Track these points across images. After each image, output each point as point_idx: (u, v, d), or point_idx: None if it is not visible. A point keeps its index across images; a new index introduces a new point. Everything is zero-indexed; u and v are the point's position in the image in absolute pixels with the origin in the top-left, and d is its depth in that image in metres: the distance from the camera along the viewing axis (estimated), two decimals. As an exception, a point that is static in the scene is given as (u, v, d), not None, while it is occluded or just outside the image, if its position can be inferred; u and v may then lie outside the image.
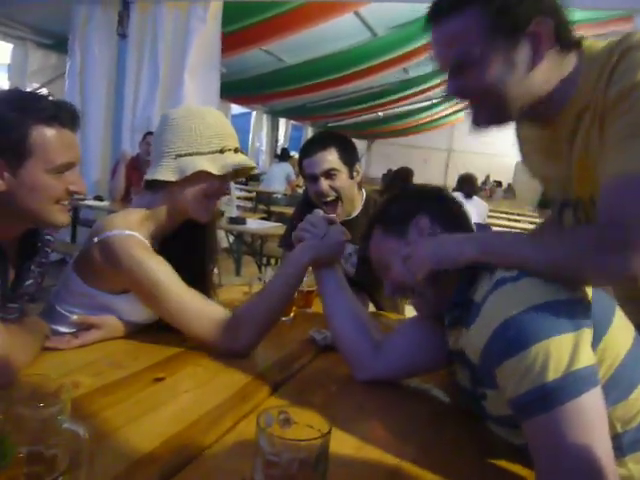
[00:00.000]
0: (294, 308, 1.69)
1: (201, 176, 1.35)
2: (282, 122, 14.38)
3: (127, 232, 1.32)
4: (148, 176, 1.40)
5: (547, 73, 0.99)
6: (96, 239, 1.32)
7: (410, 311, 1.49)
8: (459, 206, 1.21)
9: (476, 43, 0.97)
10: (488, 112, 1.04)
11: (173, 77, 5.12)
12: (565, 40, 0.99)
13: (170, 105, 4.99)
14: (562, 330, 0.83)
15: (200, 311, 1.33)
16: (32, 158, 1.13)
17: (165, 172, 1.36)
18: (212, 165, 1.35)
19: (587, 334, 0.84)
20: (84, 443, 0.72)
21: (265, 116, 13.30)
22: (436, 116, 14.52)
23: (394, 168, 7.20)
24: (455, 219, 1.17)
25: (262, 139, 13.40)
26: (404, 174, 6.26)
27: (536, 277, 0.89)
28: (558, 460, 0.80)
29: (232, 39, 5.80)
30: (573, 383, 0.80)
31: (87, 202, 4.55)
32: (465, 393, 1.09)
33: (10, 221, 1.20)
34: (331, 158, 1.95)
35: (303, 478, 0.71)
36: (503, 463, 1.00)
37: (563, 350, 0.82)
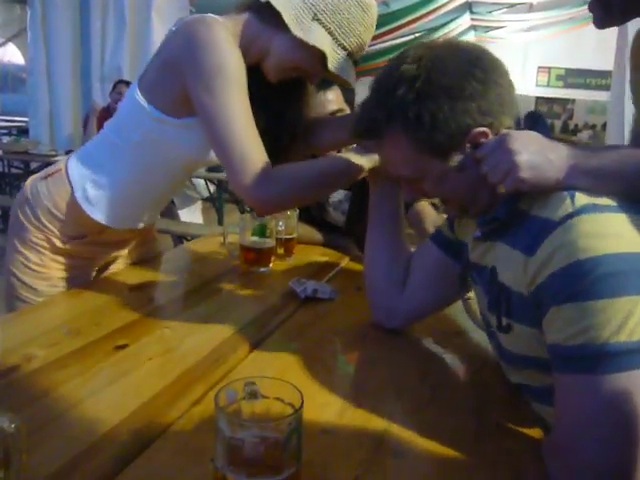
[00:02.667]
0: (273, 258, 1.58)
1: (293, 41, 1.18)
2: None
3: (211, 15, 1.17)
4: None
5: None
6: (173, 27, 1.18)
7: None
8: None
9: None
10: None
11: (141, 21, 4.86)
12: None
13: (140, 52, 4.75)
14: None
15: (245, 140, 1.14)
16: None
17: (298, 27, 1.17)
18: (295, 25, 1.17)
19: None
20: (11, 438, 0.61)
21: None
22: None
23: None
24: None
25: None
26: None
27: None
28: (592, 421, 0.70)
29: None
30: None
31: (59, 158, 4.36)
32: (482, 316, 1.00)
33: None
34: (333, 98, 1.74)
35: (273, 461, 0.61)
36: (501, 421, 0.90)
37: None
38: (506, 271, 0.87)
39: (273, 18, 1.18)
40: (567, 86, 11.56)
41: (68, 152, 4.55)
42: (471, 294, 1.11)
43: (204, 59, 1.12)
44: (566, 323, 0.73)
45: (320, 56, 1.18)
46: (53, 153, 4.96)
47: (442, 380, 1.04)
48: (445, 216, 1.23)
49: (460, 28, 9.77)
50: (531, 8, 8.48)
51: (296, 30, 1.17)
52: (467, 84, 0.83)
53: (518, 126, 0.90)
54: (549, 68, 11.67)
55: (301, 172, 1.21)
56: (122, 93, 4.71)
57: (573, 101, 11.72)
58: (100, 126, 4.53)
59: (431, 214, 1.70)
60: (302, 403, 0.62)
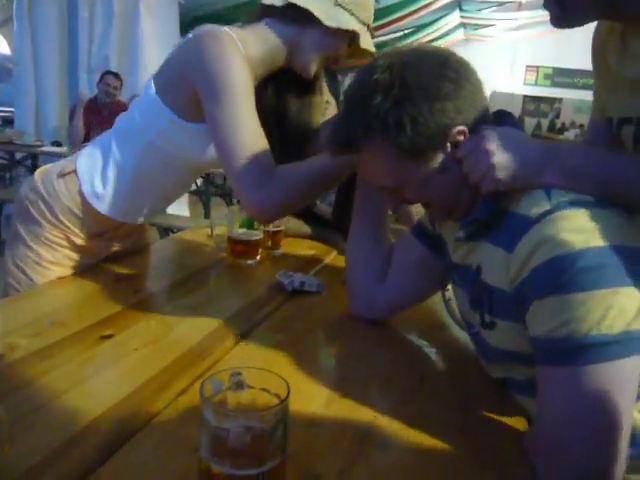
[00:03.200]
0: (260, 250, 1.57)
1: (320, 28, 1.25)
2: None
3: (224, 29, 1.20)
4: None
5: None
6: (190, 35, 1.21)
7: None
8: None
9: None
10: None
11: (129, 12, 4.81)
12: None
13: (127, 44, 4.71)
14: (635, 283, 0.71)
15: (249, 147, 1.17)
16: None
17: (322, 12, 1.24)
18: (325, 15, 1.24)
19: None
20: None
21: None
22: (409, 47, 14.14)
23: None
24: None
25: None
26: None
27: (621, 211, 0.77)
28: (574, 417, 0.72)
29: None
30: (626, 342, 0.69)
31: (45, 148, 4.32)
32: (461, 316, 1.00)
33: None
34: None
35: (257, 452, 0.61)
36: (487, 414, 0.91)
37: (629, 305, 0.70)
38: (489, 269, 0.87)
39: (298, 16, 1.25)
40: (555, 85, 11.65)
41: (54, 143, 4.51)
42: (450, 294, 1.11)
43: (213, 72, 1.16)
44: (548, 316, 0.74)
45: (349, 37, 1.27)
46: (38, 143, 4.90)
47: (428, 372, 1.04)
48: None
49: (449, 25, 9.81)
50: (520, 7, 8.54)
51: (327, 21, 1.24)
52: (441, 84, 0.84)
53: (488, 122, 0.90)
54: (537, 67, 11.74)
55: (299, 178, 1.21)
56: (110, 84, 4.67)
57: (560, 100, 11.81)
58: (87, 118, 4.47)
59: (421, 212, 1.70)
60: (288, 393, 0.62)
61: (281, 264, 1.53)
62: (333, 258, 1.68)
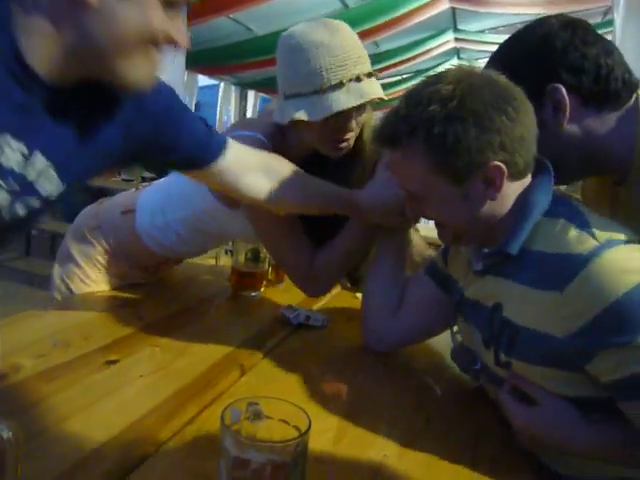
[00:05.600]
0: (264, 282, 1.56)
1: (303, 122, 1.20)
2: (251, 94, 14.01)
3: (254, 134, 1.24)
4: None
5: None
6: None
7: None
8: None
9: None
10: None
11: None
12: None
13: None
14: None
15: (286, 254, 1.37)
16: None
17: (277, 113, 1.27)
18: (309, 109, 1.19)
19: None
20: (9, 445, 0.59)
21: (233, 88, 12.95)
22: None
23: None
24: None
25: (230, 112, 13.06)
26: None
27: None
28: None
29: (198, 6, 5.54)
30: None
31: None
32: (467, 353, 1.01)
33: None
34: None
35: (277, 484, 0.60)
36: (496, 453, 0.90)
37: None
38: (515, 307, 0.87)
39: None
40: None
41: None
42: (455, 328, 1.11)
43: None
44: (623, 364, 0.75)
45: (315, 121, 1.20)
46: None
47: (436, 411, 1.03)
48: (437, 250, 1.24)
49: (447, 72, 9.99)
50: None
51: (282, 119, 1.24)
52: (497, 117, 0.83)
53: (528, 170, 0.90)
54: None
55: (336, 266, 1.37)
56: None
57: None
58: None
59: (419, 244, 1.70)
60: (309, 425, 0.61)
61: (284, 297, 1.52)
62: (336, 294, 1.68)
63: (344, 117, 1.21)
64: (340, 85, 1.17)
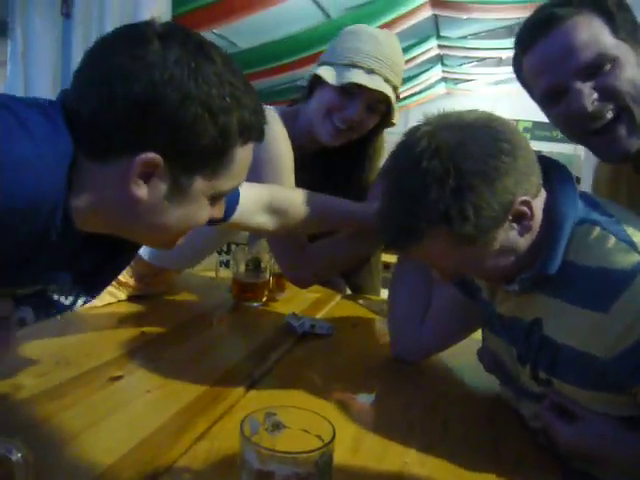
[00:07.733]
0: (266, 292, 1.54)
1: (324, 87, 1.34)
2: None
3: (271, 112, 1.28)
4: None
5: None
6: None
7: (385, 292, 1.40)
8: None
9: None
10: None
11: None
12: None
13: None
14: None
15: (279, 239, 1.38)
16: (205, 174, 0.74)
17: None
18: (334, 73, 1.32)
19: None
20: (19, 467, 0.56)
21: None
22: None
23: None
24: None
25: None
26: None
27: None
28: None
29: (182, 21, 5.54)
30: None
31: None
32: (502, 367, 0.99)
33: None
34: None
35: (303, 497, 0.57)
36: (518, 454, 0.87)
37: None
38: (557, 325, 0.84)
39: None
40: (534, 138, 11.91)
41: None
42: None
43: (257, 151, 1.16)
44: None
45: (326, 84, 1.33)
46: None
47: (452, 414, 1.00)
48: None
49: (431, 80, 10.04)
50: (500, 62, 8.79)
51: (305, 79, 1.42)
52: (499, 162, 0.78)
53: (540, 177, 0.86)
54: (517, 120, 12.03)
55: (325, 261, 1.41)
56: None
57: (539, 152, 12.09)
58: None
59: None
60: (333, 434, 0.59)
61: (287, 307, 1.50)
62: (339, 302, 1.65)
63: (356, 96, 1.33)
64: (370, 71, 1.32)
